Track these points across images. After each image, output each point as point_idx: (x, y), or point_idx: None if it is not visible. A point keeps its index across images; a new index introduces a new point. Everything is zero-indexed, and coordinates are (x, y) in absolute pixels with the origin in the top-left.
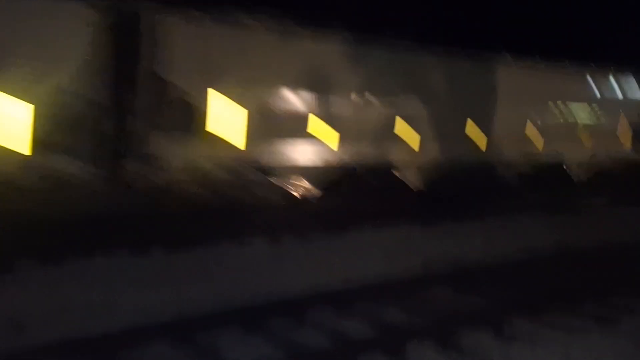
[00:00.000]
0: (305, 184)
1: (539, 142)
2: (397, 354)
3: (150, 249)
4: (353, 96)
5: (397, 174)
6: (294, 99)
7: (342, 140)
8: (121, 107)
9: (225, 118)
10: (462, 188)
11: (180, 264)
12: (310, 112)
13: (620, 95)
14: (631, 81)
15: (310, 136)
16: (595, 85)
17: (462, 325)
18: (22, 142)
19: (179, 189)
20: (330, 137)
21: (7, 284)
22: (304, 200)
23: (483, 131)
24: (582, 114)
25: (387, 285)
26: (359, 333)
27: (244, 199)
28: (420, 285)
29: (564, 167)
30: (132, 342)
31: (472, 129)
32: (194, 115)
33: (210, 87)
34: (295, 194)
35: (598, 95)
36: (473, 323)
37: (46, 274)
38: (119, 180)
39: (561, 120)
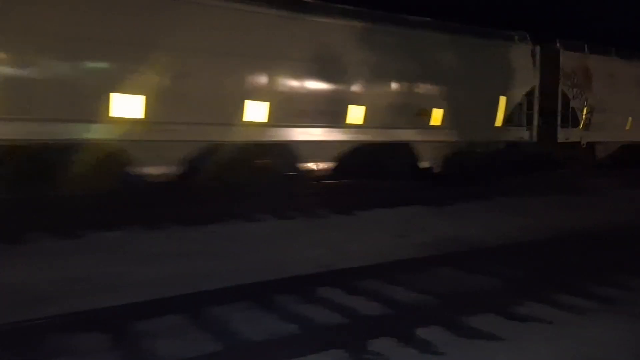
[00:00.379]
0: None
1: None
2: (405, 331)
3: (163, 224)
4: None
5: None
6: None
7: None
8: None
9: None
10: (474, 168)
11: (192, 240)
12: None
13: None
14: None
15: None
16: None
17: (472, 305)
18: None
19: None
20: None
21: None
22: (314, 178)
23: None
24: None
25: (397, 264)
26: (369, 310)
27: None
28: (431, 264)
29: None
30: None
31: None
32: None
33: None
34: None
35: None
36: (483, 303)
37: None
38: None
39: None
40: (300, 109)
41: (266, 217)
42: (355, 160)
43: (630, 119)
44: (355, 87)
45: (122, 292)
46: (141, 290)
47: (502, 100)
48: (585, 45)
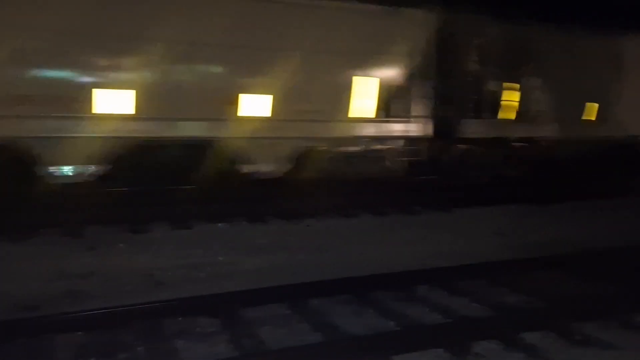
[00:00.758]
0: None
1: None
2: (511, 335)
3: (265, 218)
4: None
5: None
6: None
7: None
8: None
9: None
10: (584, 167)
11: (292, 233)
12: None
13: None
14: None
15: None
16: None
17: (584, 311)
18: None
19: None
20: None
21: None
22: (412, 175)
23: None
24: None
25: (500, 264)
26: (470, 311)
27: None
28: (536, 267)
29: None
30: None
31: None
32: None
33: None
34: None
35: None
36: (596, 309)
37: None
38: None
39: None
40: None
41: (361, 213)
42: None
43: (595, 107)
44: None
45: (232, 280)
46: (249, 279)
47: (360, 82)
48: (519, 13)
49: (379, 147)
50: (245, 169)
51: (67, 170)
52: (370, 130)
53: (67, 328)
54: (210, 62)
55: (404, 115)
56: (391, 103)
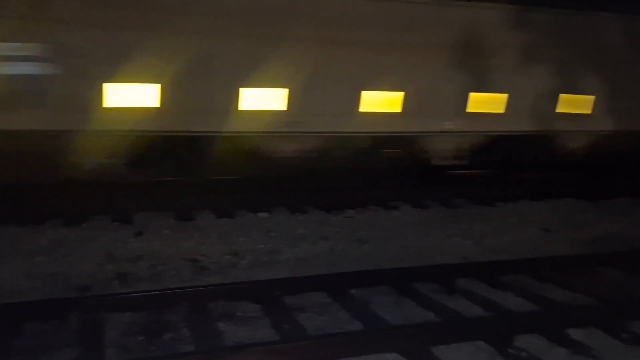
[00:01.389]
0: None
1: None
2: (556, 331)
3: (305, 208)
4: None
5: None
6: None
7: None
8: None
9: None
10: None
11: (332, 224)
12: None
13: None
14: None
15: None
16: None
17: (635, 310)
18: None
19: None
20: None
21: None
22: (452, 168)
23: None
24: None
25: (546, 260)
26: (514, 306)
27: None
28: (586, 263)
29: None
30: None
31: None
32: None
33: None
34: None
35: None
36: None
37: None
38: None
39: None
40: None
41: (402, 205)
42: None
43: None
44: None
45: (275, 267)
46: (290, 267)
47: None
48: None
49: None
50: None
51: None
52: None
53: (116, 308)
54: None
55: None
56: None
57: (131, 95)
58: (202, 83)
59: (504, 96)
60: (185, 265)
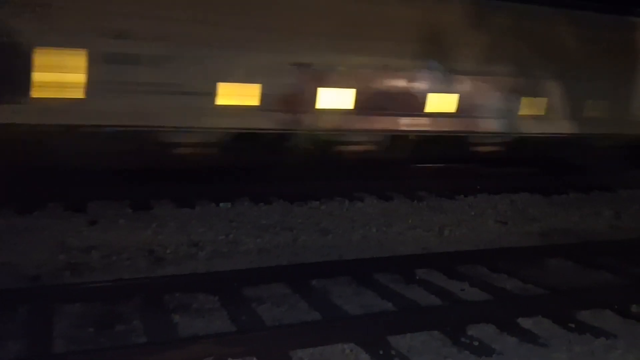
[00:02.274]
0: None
1: None
2: (507, 319)
3: (269, 199)
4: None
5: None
6: None
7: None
8: None
9: None
10: (588, 159)
11: (296, 215)
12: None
13: None
14: None
15: None
16: None
17: (582, 299)
18: None
19: None
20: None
21: None
22: (416, 160)
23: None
24: None
25: (501, 251)
26: (469, 295)
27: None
28: (537, 255)
29: None
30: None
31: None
32: None
33: None
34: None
35: None
36: (595, 299)
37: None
38: None
39: None
40: None
41: (366, 197)
42: None
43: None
44: None
45: (235, 258)
46: (251, 258)
47: None
48: None
49: None
50: None
51: None
52: None
53: (67, 299)
54: None
55: None
56: None
57: None
58: None
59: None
60: (140, 255)
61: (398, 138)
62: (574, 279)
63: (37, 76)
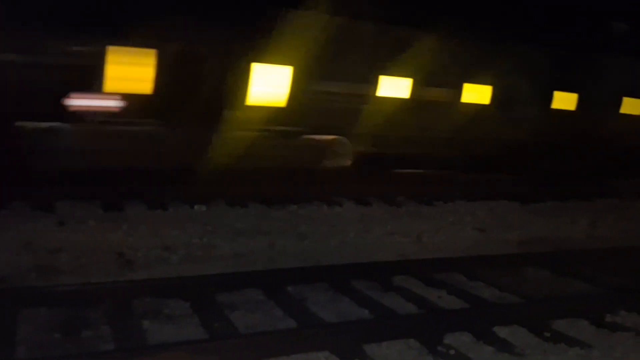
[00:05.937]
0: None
1: None
2: (483, 328)
3: (246, 202)
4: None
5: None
6: None
7: None
8: None
9: None
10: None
11: (273, 219)
12: None
13: None
14: None
15: None
16: None
17: (558, 308)
18: None
19: None
20: None
21: None
22: (396, 166)
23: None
24: None
25: (478, 259)
26: (446, 303)
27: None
28: (514, 263)
29: None
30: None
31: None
32: None
33: None
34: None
35: None
36: (570, 308)
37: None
38: None
39: None
40: None
41: (345, 202)
42: None
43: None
44: None
45: (208, 263)
46: (225, 262)
47: None
48: None
49: None
50: None
51: None
52: None
53: (32, 302)
54: None
55: None
56: None
57: None
58: None
59: None
60: (110, 258)
61: None
62: (550, 287)
63: None
